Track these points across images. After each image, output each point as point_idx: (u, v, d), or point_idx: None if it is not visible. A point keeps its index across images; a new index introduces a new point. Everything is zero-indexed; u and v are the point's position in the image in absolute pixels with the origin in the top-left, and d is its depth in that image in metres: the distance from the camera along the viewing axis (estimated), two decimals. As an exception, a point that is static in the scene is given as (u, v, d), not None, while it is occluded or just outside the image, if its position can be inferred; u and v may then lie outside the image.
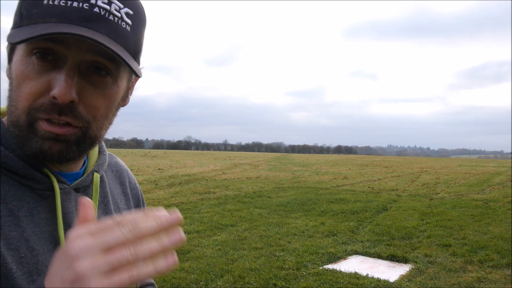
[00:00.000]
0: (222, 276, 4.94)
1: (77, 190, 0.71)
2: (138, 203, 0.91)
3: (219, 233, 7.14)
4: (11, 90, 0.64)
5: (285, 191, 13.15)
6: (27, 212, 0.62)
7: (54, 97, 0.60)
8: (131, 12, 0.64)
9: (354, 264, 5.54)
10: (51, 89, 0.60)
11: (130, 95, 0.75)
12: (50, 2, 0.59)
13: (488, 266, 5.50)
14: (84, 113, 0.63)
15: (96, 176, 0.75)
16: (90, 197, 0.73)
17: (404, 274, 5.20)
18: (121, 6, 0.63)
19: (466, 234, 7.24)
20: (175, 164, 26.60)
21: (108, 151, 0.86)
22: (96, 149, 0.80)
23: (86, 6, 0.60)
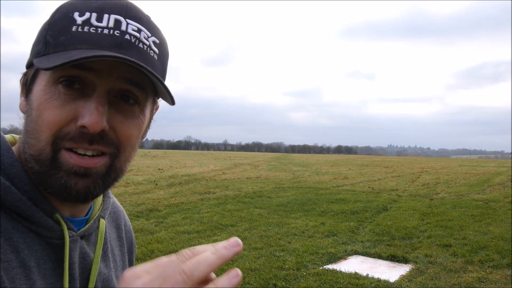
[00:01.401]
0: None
1: (82, 237, 0.67)
2: (131, 248, 0.87)
3: (219, 233, 7.13)
4: (30, 122, 0.59)
5: (285, 191, 13.14)
6: (35, 262, 0.58)
7: (83, 126, 0.56)
8: (157, 41, 0.64)
9: (354, 264, 5.53)
10: (78, 118, 0.57)
11: (149, 128, 0.72)
12: (80, 29, 0.57)
13: (488, 266, 5.50)
14: (115, 140, 0.60)
15: (102, 222, 0.72)
16: (93, 245, 0.70)
17: (404, 274, 5.19)
18: (149, 34, 0.62)
19: (467, 234, 7.23)
20: (175, 164, 26.60)
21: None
22: None
23: (117, 33, 0.58)
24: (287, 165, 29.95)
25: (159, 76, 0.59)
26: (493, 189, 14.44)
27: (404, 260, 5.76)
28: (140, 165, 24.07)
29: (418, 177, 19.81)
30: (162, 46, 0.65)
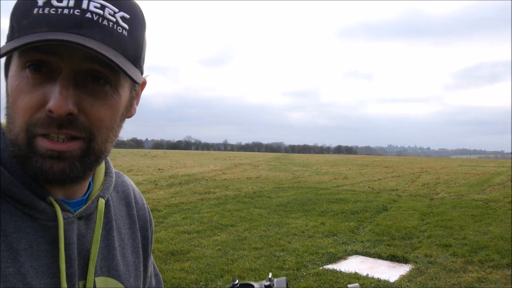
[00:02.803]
0: (222, 276, 4.94)
1: (80, 217, 0.67)
2: (145, 225, 0.86)
3: (219, 233, 7.13)
4: (7, 107, 0.60)
5: (285, 191, 13.14)
6: (26, 244, 0.59)
7: (50, 111, 0.56)
8: (127, 16, 0.61)
9: (354, 264, 5.54)
10: (47, 103, 0.57)
11: (136, 105, 0.71)
12: (40, 12, 0.56)
13: (488, 266, 5.50)
14: (86, 124, 0.60)
15: (101, 202, 0.71)
16: (93, 224, 0.70)
17: (404, 274, 5.19)
18: (116, 10, 0.60)
19: (467, 234, 7.23)
20: (175, 164, 26.60)
21: (115, 170, 0.81)
22: (102, 171, 0.76)
23: (78, 12, 0.57)
24: (287, 165, 29.95)
25: (111, 57, 0.57)
26: (493, 189, 14.44)
27: (404, 260, 5.76)
28: (140, 165, 24.07)
29: (418, 177, 19.81)
30: (133, 20, 0.63)
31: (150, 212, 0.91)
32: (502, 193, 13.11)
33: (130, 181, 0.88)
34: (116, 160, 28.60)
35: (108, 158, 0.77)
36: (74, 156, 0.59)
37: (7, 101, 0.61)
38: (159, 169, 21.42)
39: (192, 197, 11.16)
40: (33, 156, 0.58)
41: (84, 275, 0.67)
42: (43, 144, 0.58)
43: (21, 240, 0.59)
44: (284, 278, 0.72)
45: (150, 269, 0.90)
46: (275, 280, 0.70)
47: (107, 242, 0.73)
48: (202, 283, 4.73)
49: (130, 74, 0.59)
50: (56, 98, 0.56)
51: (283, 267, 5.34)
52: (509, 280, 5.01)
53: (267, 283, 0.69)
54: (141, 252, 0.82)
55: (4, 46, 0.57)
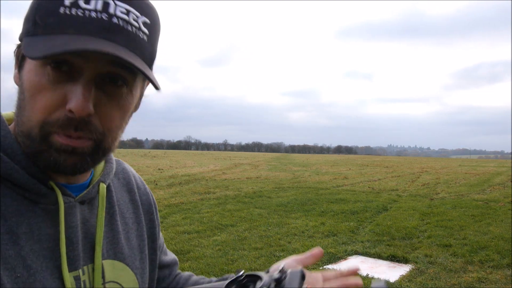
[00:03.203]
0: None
1: (83, 202, 0.69)
2: (149, 209, 0.87)
3: (219, 233, 7.13)
4: (22, 99, 0.61)
5: (285, 191, 13.14)
6: (27, 228, 0.60)
7: (71, 111, 0.57)
8: (148, 22, 0.63)
9: (354, 264, 5.54)
10: (67, 102, 0.58)
11: (140, 102, 0.74)
12: (68, 12, 0.57)
13: (488, 267, 5.50)
14: (98, 126, 0.61)
15: (102, 186, 0.73)
16: (96, 209, 0.71)
17: (404, 274, 5.19)
18: (139, 15, 0.61)
19: (467, 234, 7.23)
20: (175, 164, 26.60)
21: (115, 158, 0.83)
22: None
23: (105, 17, 0.57)
24: (287, 165, 29.95)
25: (138, 65, 0.58)
26: (493, 189, 14.43)
27: (404, 260, 5.76)
28: (140, 165, 24.08)
29: (418, 177, 19.81)
30: (153, 26, 0.64)
31: (153, 196, 0.92)
32: (502, 193, 13.11)
33: (130, 168, 0.90)
34: (116, 160, 28.45)
35: None
36: (85, 152, 0.61)
37: (21, 94, 0.61)
38: (159, 169, 21.43)
39: (192, 197, 11.16)
40: (47, 149, 0.60)
41: (91, 259, 0.68)
42: (59, 140, 0.59)
43: (21, 224, 0.60)
44: (299, 269, 0.62)
45: (161, 249, 0.92)
46: (289, 271, 0.61)
47: (111, 227, 0.74)
48: (202, 283, 4.73)
49: (153, 79, 0.60)
50: (79, 100, 0.57)
51: (283, 267, 5.33)
52: (509, 280, 5.00)
53: (278, 275, 0.60)
54: (145, 236, 0.83)
55: (31, 43, 0.57)
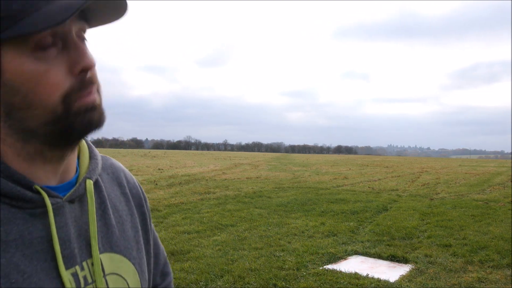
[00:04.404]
0: (222, 276, 4.94)
1: (72, 201, 0.69)
2: (140, 202, 0.88)
3: (219, 233, 7.13)
4: (18, 99, 0.58)
5: (285, 191, 13.14)
6: (16, 235, 0.60)
7: (83, 70, 0.61)
8: None
9: (354, 264, 5.53)
10: (73, 68, 0.60)
11: None
12: None
13: (488, 267, 5.50)
14: (96, 74, 0.66)
15: (89, 182, 0.72)
16: (86, 206, 0.71)
17: (404, 274, 5.19)
18: None
19: (467, 234, 7.23)
20: (175, 164, 26.60)
21: (101, 154, 0.83)
22: (86, 155, 0.77)
23: None
24: (287, 165, 29.95)
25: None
26: (493, 189, 14.43)
27: (404, 260, 5.76)
28: (140, 165, 24.08)
29: (418, 177, 19.81)
30: None
31: (143, 190, 0.93)
32: (502, 193, 13.10)
33: (119, 164, 0.90)
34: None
35: (90, 143, 0.80)
36: (99, 102, 0.66)
37: (13, 95, 0.58)
38: (159, 169, 21.42)
39: (192, 197, 11.16)
40: (77, 117, 0.62)
41: (89, 254, 0.69)
42: (82, 103, 0.62)
43: (10, 231, 0.59)
44: None
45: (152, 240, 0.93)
46: None
47: (104, 221, 0.74)
48: (202, 283, 4.73)
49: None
50: (85, 54, 0.61)
51: (283, 267, 5.33)
52: (509, 280, 5.00)
53: None
54: (139, 227, 0.84)
55: (39, 17, 0.55)
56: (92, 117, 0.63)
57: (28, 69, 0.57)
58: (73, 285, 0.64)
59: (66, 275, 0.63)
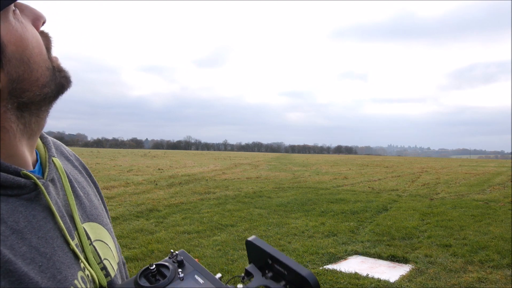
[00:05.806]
0: (222, 277, 4.93)
1: (52, 180, 0.72)
2: (87, 172, 0.93)
3: (219, 233, 7.13)
4: (18, 59, 0.61)
5: (285, 191, 13.14)
6: (25, 222, 0.62)
7: (44, 20, 0.67)
8: None
9: (354, 264, 5.53)
10: (38, 20, 0.66)
11: None
12: None
13: (488, 267, 5.50)
14: None
15: (56, 160, 0.76)
16: (60, 182, 0.74)
17: (404, 274, 5.19)
18: None
19: (467, 234, 7.23)
20: (175, 164, 26.59)
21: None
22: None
23: None
24: (287, 165, 29.95)
25: None
26: (493, 189, 14.43)
27: (404, 260, 5.76)
28: (140, 165, 24.07)
29: (418, 177, 19.81)
30: None
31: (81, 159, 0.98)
32: (502, 193, 13.11)
33: (55, 139, 0.94)
34: (116, 160, 28.56)
35: None
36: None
37: (20, 60, 0.61)
38: (159, 169, 21.42)
39: (192, 197, 11.16)
40: (61, 72, 0.68)
41: (74, 227, 0.72)
42: (55, 61, 0.68)
43: (18, 220, 0.61)
44: (182, 250, 0.72)
45: None
46: (176, 252, 0.70)
47: (75, 194, 0.79)
48: (202, 283, 4.73)
49: None
50: (36, 10, 0.66)
51: (283, 267, 5.33)
52: (509, 280, 5.00)
53: (172, 259, 0.68)
54: (98, 195, 0.90)
55: None
56: (67, 74, 0.69)
57: (18, 32, 0.61)
58: (82, 256, 0.69)
59: (75, 248, 0.67)
